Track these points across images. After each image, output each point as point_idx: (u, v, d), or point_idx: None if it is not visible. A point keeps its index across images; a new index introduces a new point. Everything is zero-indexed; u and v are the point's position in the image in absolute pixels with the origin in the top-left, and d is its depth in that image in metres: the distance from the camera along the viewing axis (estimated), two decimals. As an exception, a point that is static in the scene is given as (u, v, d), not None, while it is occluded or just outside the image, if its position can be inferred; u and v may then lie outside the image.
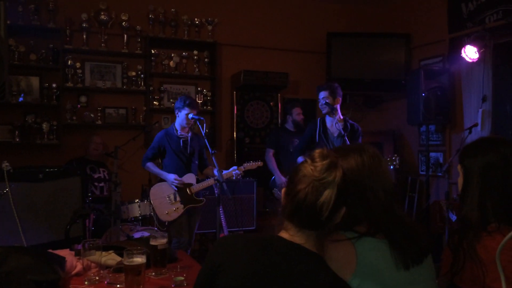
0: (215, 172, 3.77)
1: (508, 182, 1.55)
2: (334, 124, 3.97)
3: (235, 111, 5.76)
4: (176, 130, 4.06)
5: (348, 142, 3.89)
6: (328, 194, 1.18)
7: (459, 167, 1.68)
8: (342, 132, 3.85)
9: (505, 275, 1.42)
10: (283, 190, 1.30)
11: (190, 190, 3.98)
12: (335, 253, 1.27)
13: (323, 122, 4.06)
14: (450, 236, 1.61)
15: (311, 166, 1.22)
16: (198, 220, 4.17)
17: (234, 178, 4.14)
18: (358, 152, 1.39)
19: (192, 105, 3.97)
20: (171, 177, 3.93)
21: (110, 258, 1.99)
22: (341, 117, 4.01)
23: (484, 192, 1.56)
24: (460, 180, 1.67)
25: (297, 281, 1.16)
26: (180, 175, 3.98)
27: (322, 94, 4.01)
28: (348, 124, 4.02)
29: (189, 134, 4.08)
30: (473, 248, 1.47)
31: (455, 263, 1.51)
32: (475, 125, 4.57)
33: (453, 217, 4.28)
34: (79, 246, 2.04)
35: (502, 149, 1.57)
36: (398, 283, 1.26)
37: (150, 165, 4.04)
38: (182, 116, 3.97)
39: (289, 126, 5.20)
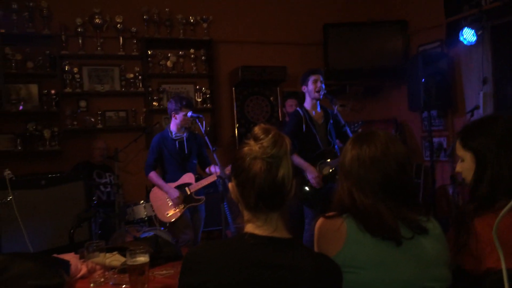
0: (214, 169, 3.84)
1: None
2: (317, 110, 3.95)
3: (235, 107, 5.74)
4: (171, 133, 4.02)
5: (332, 129, 3.93)
6: (285, 166, 1.17)
7: (461, 151, 1.60)
8: (329, 118, 3.94)
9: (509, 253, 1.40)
10: (230, 185, 1.25)
11: (189, 189, 3.97)
12: (326, 231, 1.33)
13: (307, 111, 3.93)
14: (455, 215, 1.60)
15: (258, 145, 1.17)
16: (202, 218, 4.14)
17: None
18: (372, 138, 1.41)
19: (189, 105, 3.95)
20: (174, 195, 3.89)
21: (115, 259, 1.99)
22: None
23: (498, 170, 1.50)
24: (464, 165, 1.60)
25: (286, 275, 1.12)
26: (178, 176, 3.98)
27: (322, 78, 3.90)
28: (329, 111, 4.02)
29: (185, 135, 4.03)
30: (474, 227, 1.46)
31: (458, 238, 1.50)
32: (477, 107, 4.53)
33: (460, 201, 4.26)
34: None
35: (509, 124, 1.53)
36: (379, 256, 1.30)
37: (153, 176, 3.99)
38: (180, 118, 3.93)
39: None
